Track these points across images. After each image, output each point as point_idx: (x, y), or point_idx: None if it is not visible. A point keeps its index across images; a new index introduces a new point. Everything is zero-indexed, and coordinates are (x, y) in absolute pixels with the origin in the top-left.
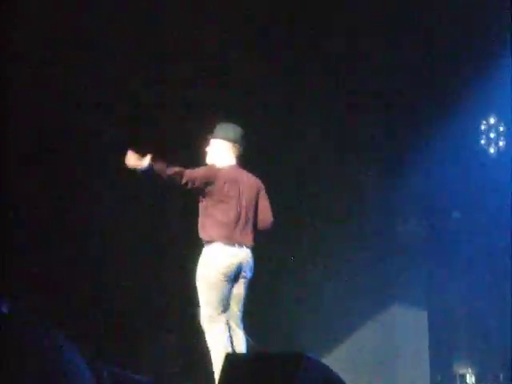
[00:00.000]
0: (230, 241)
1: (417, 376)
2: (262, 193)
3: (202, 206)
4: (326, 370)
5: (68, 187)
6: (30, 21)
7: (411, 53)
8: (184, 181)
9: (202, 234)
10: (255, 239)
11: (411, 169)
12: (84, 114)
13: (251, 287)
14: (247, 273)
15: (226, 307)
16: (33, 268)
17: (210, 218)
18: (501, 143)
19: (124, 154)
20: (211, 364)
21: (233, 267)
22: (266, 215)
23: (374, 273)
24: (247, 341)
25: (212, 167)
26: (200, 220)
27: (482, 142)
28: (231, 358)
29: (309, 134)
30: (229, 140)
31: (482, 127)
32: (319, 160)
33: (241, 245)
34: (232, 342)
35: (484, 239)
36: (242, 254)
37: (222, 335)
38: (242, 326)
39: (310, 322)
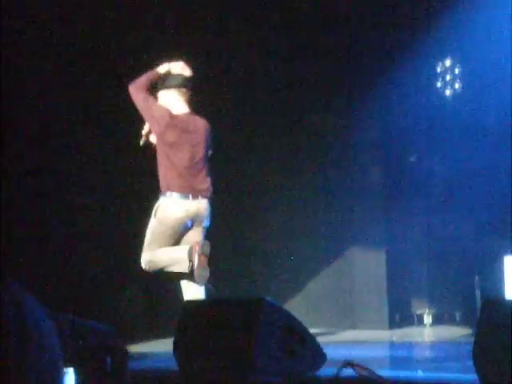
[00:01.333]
0: (185, 191)
1: (375, 316)
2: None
3: (158, 153)
4: (286, 314)
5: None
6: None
7: None
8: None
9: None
10: (212, 188)
11: (367, 113)
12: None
13: (211, 236)
14: (204, 223)
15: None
16: None
17: (164, 166)
18: (457, 85)
19: None
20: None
21: (184, 220)
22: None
23: (333, 216)
24: (208, 289)
25: (167, 111)
26: (158, 168)
27: (438, 84)
28: (188, 305)
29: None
30: (174, 87)
31: (438, 69)
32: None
33: (196, 196)
34: (188, 293)
35: (441, 181)
36: (197, 206)
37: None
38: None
39: (270, 267)
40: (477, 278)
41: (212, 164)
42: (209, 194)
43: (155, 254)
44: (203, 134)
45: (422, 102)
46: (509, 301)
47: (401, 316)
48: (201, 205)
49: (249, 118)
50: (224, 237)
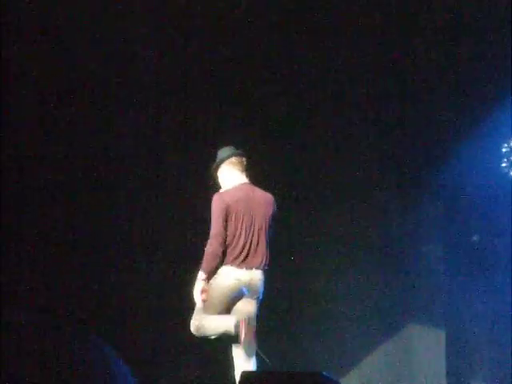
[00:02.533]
0: (239, 265)
1: None
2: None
3: None
4: None
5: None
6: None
7: (435, 73)
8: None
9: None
10: (268, 260)
11: (432, 191)
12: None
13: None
14: (256, 293)
15: None
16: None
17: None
18: None
19: None
20: None
21: (237, 287)
22: None
23: (392, 293)
24: (261, 360)
25: (220, 207)
26: None
27: (504, 164)
28: (246, 376)
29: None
30: (230, 157)
31: (504, 150)
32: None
33: (250, 267)
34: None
35: (506, 263)
36: (250, 276)
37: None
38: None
39: (325, 341)
40: None
41: None
42: (264, 267)
43: (204, 321)
44: (269, 208)
45: (485, 181)
46: None
47: None
48: (254, 275)
49: None
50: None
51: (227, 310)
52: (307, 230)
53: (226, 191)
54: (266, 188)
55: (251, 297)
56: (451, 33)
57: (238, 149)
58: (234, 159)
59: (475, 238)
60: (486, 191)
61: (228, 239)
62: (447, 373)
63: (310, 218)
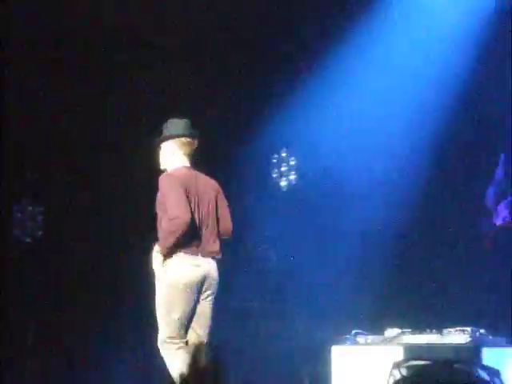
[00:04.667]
0: (193, 251)
1: None
2: (220, 197)
3: (159, 217)
4: None
5: None
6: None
7: None
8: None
9: (161, 247)
10: (221, 250)
11: None
12: None
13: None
14: (212, 287)
15: (187, 328)
16: None
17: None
18: (292, 177)
19: None
20: None
21: (196, 279)
22: (225, 222)
23: None
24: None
25: (176, 185)
26: (158, 233)
27: (274, 175)
28: None
29: None
30: (177, 136)
31: (274, 160)
32: None
33: (204, 255)
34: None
35: (275, 272)
36: (207, 266)
37: (182, 363)
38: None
39: None
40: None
41: None
42: (218, 255)
43: (175, 356)
44: (213, 195)
45: (259, 191)
46: None
47: None
48: (212, 265)
49: None
50: None
51: (193, 310)
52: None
53: (175, 172)
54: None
55: (209, 294)
56: None
57: (192, 128)
58: (184, 140)
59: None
60: (258, 201)
61: None
62: None
63: None
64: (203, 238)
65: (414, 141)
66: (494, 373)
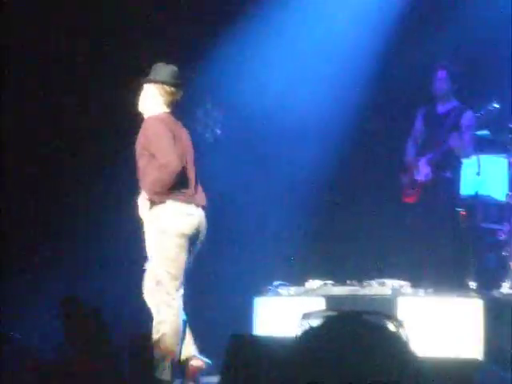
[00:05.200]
0: (186, 199)
1: None
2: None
3: (143, 163)
4: None
5: None
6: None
7: None
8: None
9: (150, 194)
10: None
11: None
12: None
13: None
14: (201, 239)
15: (182, 282)
16: None
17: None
18: (218, 130)
19: None
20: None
21: (193, 229)
22: None
23: None
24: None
25: (165, 129)
26: (143, 179)
27: (199, 128)
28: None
29: None
30: (157, 81)
31: (198, 113)
32: None
33: (198, 205)
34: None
35: None
36: (199, 214)
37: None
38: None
39: None
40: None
41: None
42: (205, 203)
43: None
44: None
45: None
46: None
47: None
48: (202, 216)
49: None
50: None
51: (186, 263)
52: None
53: (160, 116)
54: None
55: (197, 245)
56: None
57: (178, 77)
58: (168, 88)
59: None
60: None
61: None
62: None
63: None
64: (192, 187)
65: (337, 97)
66: (400, 323)
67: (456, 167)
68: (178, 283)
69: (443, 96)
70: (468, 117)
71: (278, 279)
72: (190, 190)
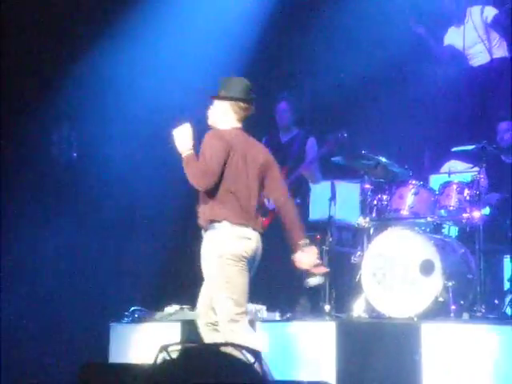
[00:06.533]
0: (244, 222)
1: None
2: (273, 165)
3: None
4: None
5: None
6: None
7: None
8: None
9: (207, 215)
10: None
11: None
12: None
13: None
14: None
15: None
16: None
17: (215, 198)
18: (74, 154)
19: None
20: None
21: (251, 252)
22: (278, 193)
23: None
24: None
25: (222, 146)
26: (203, 201)
27: (54, 151)
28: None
29: None
30: (230, 97)
31: (54, 137)
32: None
33: (255, 229)
34: None
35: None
36: (257, 238)
37: (252, 334)
38: None
39: None
40: None
41: None
42: (262, 230)
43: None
44: (262, 162)
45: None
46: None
47: None
48: (260, 243)
49: None
50: None
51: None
52: None
53: (223, 132)
54: None
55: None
56: None
57: (251, 91)
58: (242, 104)
59: None
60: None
61: (227, 186)
62: None
63: None
64: (253, 209)
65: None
66: (257, 355)
67: (305, 193)
68: (244, 304)
69: (285, 126)
70: (311, 144)
71: (136, 305)
72: (249, 212)
